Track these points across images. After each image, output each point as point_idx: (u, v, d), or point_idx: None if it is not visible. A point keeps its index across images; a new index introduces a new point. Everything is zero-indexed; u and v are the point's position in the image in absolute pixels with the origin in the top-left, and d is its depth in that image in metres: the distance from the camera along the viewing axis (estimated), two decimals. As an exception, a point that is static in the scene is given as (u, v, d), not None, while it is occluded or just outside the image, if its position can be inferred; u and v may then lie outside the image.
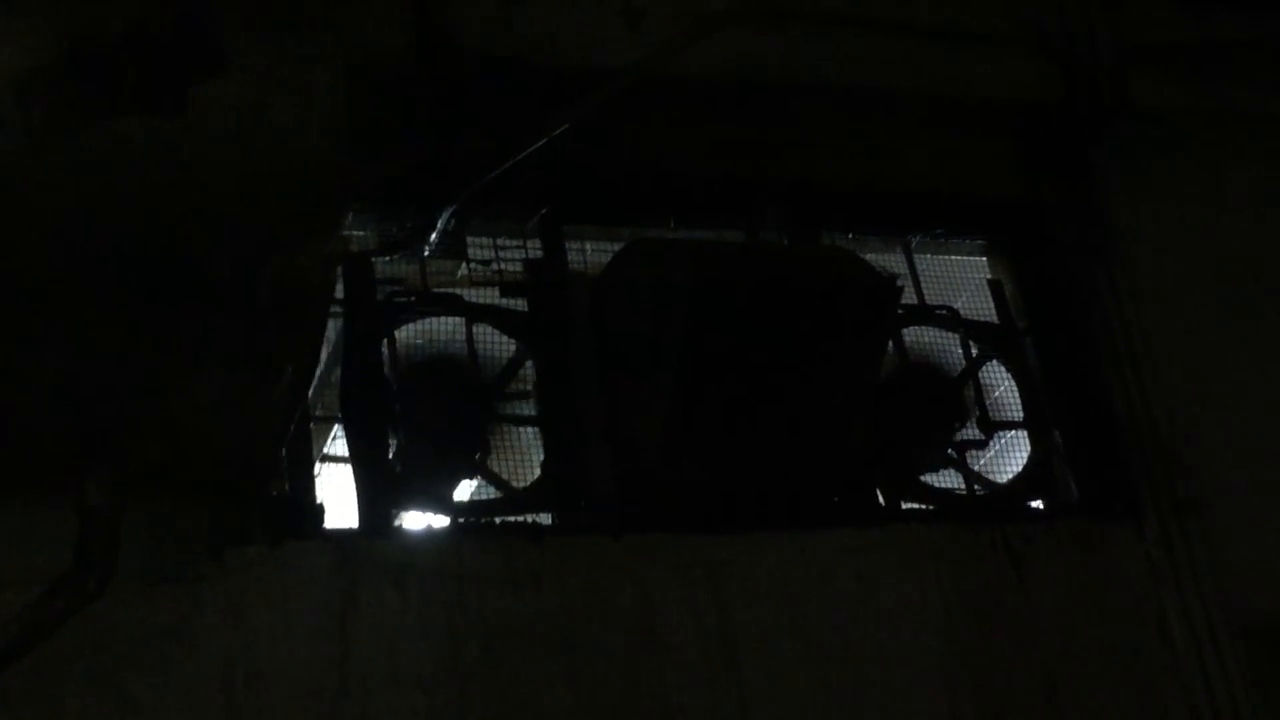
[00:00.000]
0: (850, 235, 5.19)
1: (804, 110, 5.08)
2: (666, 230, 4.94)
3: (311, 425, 4.27)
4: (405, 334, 4.51)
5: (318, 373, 4.27)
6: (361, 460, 4.24)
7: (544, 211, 4.73)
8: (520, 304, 4.68)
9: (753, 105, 4.99)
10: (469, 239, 4.76)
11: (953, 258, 5.50)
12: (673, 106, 4.84)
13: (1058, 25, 5.31)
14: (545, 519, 4.39)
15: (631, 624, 4.15)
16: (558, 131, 4.30)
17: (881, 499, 4.78)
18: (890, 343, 4.98)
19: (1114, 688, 4.58)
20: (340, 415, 4.32)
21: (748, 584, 4.30)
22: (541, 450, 4.48)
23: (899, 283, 4.60)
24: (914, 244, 5.30)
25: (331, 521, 4.23)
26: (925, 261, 5.41)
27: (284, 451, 4.03)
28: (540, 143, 4.30)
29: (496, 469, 4.48)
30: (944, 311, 5.21)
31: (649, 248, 4.53)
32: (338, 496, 4.44)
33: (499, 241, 4.72)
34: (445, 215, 4.46)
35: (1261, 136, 5.54)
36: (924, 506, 4.84)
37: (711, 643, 4.20)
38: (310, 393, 4.23)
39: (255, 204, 3.19)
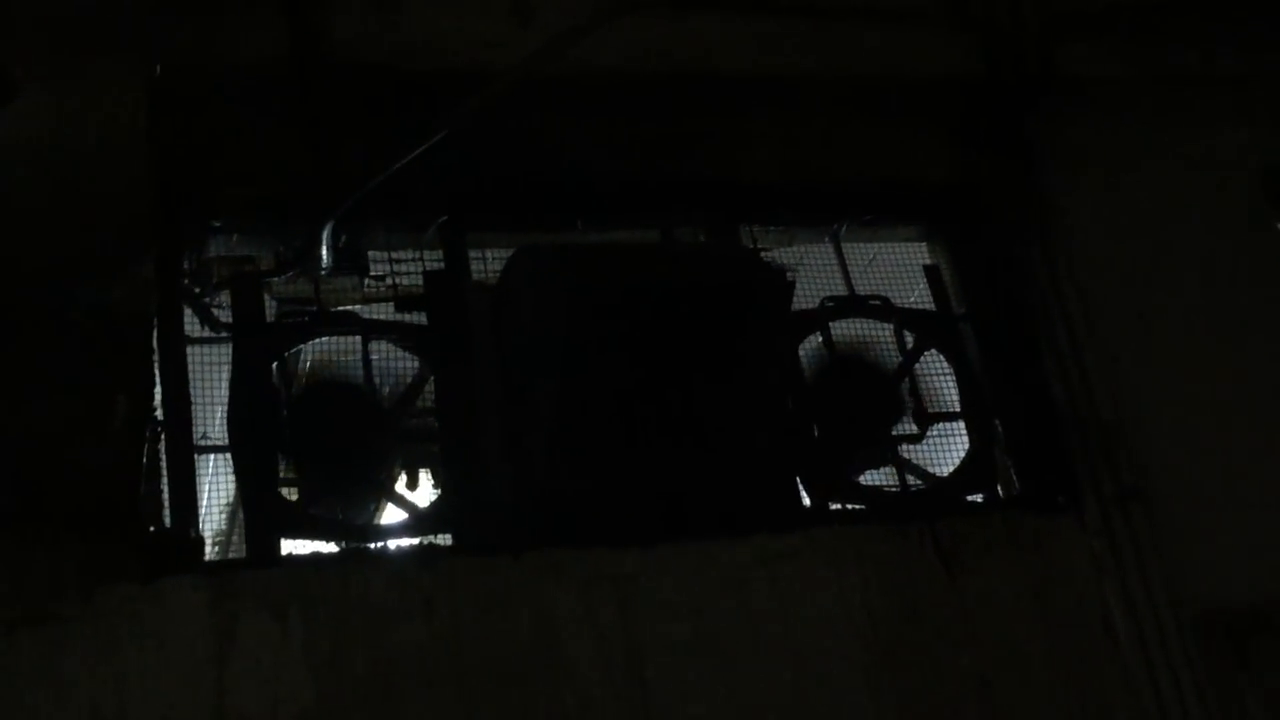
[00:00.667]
0: (771, 228, 4.99)
1: (717, 100, 4.88)
2: (576, 234, 4.77)
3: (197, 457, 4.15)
4: (298, 355, 4.38)
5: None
6: (248, 488, 4.11)
7: (442, 220, 4.58)
8: (422, 318, 4.53)
9: (661, 97, 4.80)
10: (371, 254, 4.62)
11: (899, 245, 5.30)
12: (575, 104, 4.66)
13: (979, -4, 5.08)
14: (447, 540, 4.23)
15: (530, 646, 3.96)
16: (437, 138, 4.14)
17: (808, 500, 4.57)
18: (820, 337, 4.82)
19: (1054, 689, 4.33)
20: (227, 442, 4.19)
21: (655, 598, 4.09)
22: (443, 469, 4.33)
23: (790, 275, 4.40)
24: (841, 233, 5.09)
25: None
26: (868, 251, 5.21)
27: (161, 485, 3.91)
28: (419, 150, 4.14)
29: (398, 490, 4.34)
30: (877, 302, 5.00)
31: (530, 254, 4.35)
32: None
33: (395, 255, 4.57)
34: (327, 231, 4.31)
35: (1202, 101, 5.27)
36: (853, 506, 4.63)
37: (616, 663, 4.00)
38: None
39: (60, 233, 3.06)
